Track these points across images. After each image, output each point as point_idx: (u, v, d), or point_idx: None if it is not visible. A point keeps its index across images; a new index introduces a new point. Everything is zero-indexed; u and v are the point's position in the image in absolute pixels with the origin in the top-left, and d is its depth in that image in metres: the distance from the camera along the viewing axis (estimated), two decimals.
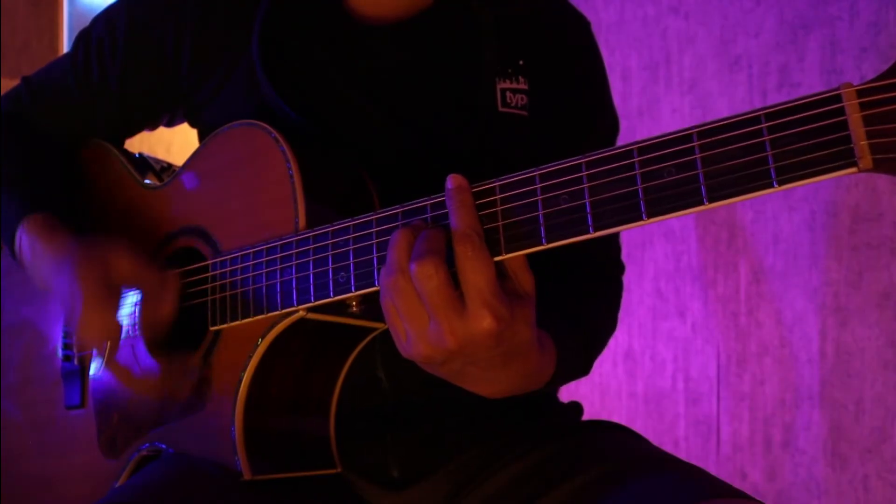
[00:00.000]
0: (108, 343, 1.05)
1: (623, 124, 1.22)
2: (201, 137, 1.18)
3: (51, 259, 1.06)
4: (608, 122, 1.20)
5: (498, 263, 0.77)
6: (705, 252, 2.17)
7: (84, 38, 1.20)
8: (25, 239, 1.10)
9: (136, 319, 1.08)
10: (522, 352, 0.81)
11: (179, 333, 1.03)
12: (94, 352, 1.16)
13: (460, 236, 0.76)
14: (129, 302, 1.10)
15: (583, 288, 1.12)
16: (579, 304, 1.09)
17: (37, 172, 1.18)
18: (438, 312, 0.75)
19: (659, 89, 2.30)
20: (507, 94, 1.10)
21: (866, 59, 1.85)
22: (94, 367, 1.15)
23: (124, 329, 1.09)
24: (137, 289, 1.03)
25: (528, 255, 0.78)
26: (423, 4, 1.12)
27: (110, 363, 1.13)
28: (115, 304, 1.00)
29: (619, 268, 1.20)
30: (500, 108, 1.09)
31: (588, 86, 1.18)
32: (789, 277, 1.97)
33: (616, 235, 1.18)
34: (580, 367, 1.06)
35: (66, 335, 1.21)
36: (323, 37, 1.10)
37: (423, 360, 0.80)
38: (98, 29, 1.18)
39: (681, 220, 2.23)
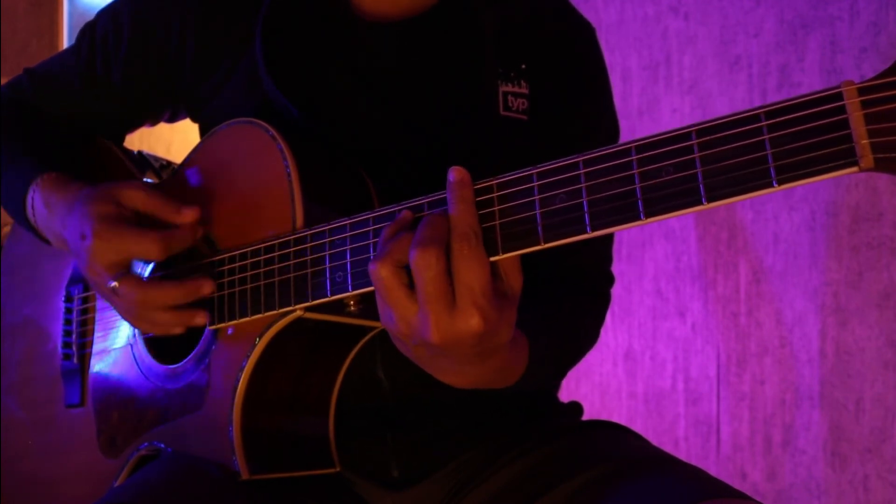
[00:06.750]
0: (118, 282, 0.97)
1: (623, 124, 1.21)
2: (203, 133, 1.18)
3: (64, 206, 1.05)
4: (607, 132, 1.18)
5: (492, 263, 0.76)
6: (705, 252, 2.17)
7: (88, 31, 1.19)
8: (39, 196, 1.09)
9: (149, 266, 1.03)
10: (498, 351, 0.81)
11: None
12: (93, 349, 1.16)
13: (459, 234, 0.75)
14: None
15: (568, 297, 1.10)
16: (560, 312, 1.07)
17: (44, 142, 1.17)
18: (429, 303, 0.74)
19: (659, 89, 2.29)
20: (509, 97, 1.08)
21: (866, 59, 1.85)
22: (95, 366, 1.15)
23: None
24: (150, 214, 1.00)
25: (522, 257, 0.77)
26: (426, 4, 1.11)
27: (111, 355, 1.13)
28: (128, 234, 0.97)
29: (609, 280, 1.18)
30: (502, 112, 1.08)
31: (589, 93, 1.17)
32: (789, 277, 1.97)
33: (608, 246, 1.17)
34: (551, 373, 1.05)
35: (72, 280, 1.21)
36: (325, 34, 1.10)
37: (397, 336, 0.79)
38: (102, 22, 1.18)
39: (681, 221, 2.23)
